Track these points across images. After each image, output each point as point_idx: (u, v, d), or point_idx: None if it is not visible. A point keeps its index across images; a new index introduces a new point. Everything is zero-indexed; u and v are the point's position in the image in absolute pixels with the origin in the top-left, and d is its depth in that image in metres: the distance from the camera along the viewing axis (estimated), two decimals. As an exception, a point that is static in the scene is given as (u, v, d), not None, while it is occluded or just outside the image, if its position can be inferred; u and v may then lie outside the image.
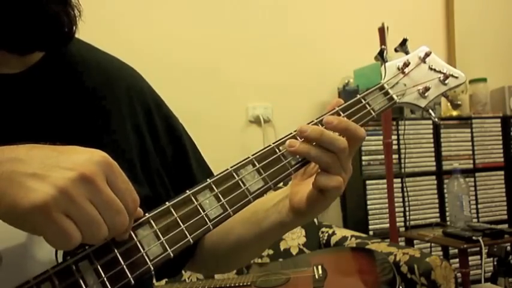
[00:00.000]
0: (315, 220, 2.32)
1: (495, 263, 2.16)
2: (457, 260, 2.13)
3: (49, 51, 0.64)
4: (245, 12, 2.59)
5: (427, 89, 0.73)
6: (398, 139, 2.47)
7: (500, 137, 2.73)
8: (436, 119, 0.75)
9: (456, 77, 0.75)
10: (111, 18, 2.31)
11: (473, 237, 1.95)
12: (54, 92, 0.64)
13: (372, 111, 0.68)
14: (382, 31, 2.04)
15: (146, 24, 2.42)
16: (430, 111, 0.74)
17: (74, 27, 0.62)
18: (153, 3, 2.44)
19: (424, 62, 0.75)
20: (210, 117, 2.45)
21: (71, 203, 0.42)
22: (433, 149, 2.58)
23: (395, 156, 2.39)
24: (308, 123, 0.64)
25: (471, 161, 2.66)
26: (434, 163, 2.58)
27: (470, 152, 2.66)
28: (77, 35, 0.65)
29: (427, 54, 0.75)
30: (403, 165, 2.44)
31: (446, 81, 0.75)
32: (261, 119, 2.56)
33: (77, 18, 0.62)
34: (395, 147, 2.41)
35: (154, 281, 0.79)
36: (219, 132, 2.46)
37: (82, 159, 0.44)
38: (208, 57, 2.49)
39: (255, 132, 2.57)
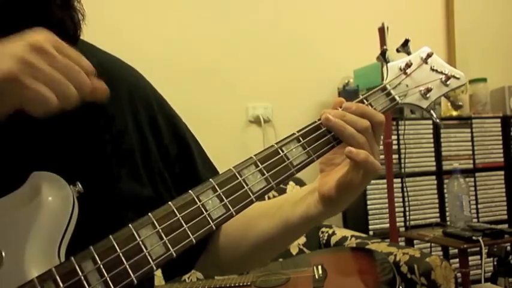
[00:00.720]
0: (315, 220, 2.32)
1: (495, 263, 2.16)
2: (457, 260, 2.13)
3: None
4: (245, 12, 2.59)
5: (429, 90, 0.73)
6: (398, 139, 2.47)
7: (500, 137, 2.73)
8: (438, 120, 0.75)
9: (458, 78, 0.75)
10: (111, 18, 2.31)
11: (473, 237, 1.95)
12: None
13: None
14: (382, 31, 2.05)
15: (146, 24, 2.42)
16: (432, 112, 0.74)
17: (78, 31, 0.62)
18: (154, 4, 2.44)
19: (426, 63, 0.75)
20: (210, 117, 2.45)
21: (33, 67, 0.46)
22: (433, 149, 2.58)
23: (395, 156, 2.39)
24: (311, 125, 0.66)
25: (471, 161, 2.66)
26: (434, 163, 2.57)
27: (470, 152, 2.66)
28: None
29: (429, 55, 0.75)
30: (403, 165, 2.44)
31: (448, 82, 0.75)
32: (261, 119, 2.56)
33: (81, 22, 0.62)
34: (395, 147, 2.41)
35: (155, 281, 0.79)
36: (219, 132, 2.46)
37: (27, 35, 0.48)
38: (209, 57, 2.49)
39: (255, 132, 2.57)
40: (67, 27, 0.60)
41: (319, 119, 0.65)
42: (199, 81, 2.47)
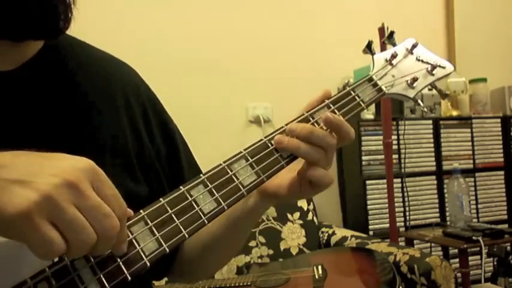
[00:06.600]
0: (315, 220, 2.32)
1: (495, 263, 2.16)
2: (457, 260, 2.13)
3: (45, 39, 0.63)
4: (245, 12, 2.59)
5: (415, 79, 0.74)
6: (398, 139, 2.47)
7: (500, 137, 2.73)
8: (425, 109, 0.77)
9: (443, 67, 0.76)
10: (110, 14, 2.31)
11: (473, 237, 1.95)
12: (48, 89, 0.63)
13: (361, 103, 0.70)
14: (382, 31, 2.04)
15: (145, 24, 2.41)
16: (419, 101, 0.75)
17: (70, 15, 0.61)
18: (153, 4, 2.44)
19: (412, 53, 0.76)
20: (210, 117, 2.46)
21: (54, 208, 0.41)
22: (433, 149, 2.58)
23: (395, 156, 2.39)
24: (298, 118, 0.67)
25: (471, 161, 2.65)
26: (434, 163, 2.57)
27: (470, 152, 2.66)
28: (75, 32, 0.65)
29: (414, 46, 0.76)
30: (403, 165, 2.44)
31: (433, 72, 0.76)
32: (261, 119, 2.55)
33: (72, 6, 0.61)
34: (395, 147, 2.40)
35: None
36: (219, 132, 2.46)
37: (66, 165, 0.44)
38: (208, 57, 2.49)
39: (255, 132, 2.57)
40: (58, 9, 0.59)
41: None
42: (199, 81, 2.47)
